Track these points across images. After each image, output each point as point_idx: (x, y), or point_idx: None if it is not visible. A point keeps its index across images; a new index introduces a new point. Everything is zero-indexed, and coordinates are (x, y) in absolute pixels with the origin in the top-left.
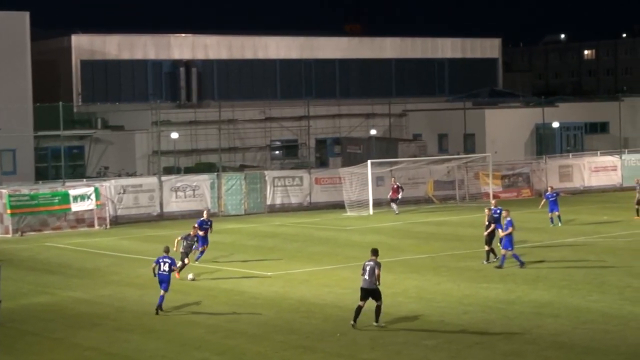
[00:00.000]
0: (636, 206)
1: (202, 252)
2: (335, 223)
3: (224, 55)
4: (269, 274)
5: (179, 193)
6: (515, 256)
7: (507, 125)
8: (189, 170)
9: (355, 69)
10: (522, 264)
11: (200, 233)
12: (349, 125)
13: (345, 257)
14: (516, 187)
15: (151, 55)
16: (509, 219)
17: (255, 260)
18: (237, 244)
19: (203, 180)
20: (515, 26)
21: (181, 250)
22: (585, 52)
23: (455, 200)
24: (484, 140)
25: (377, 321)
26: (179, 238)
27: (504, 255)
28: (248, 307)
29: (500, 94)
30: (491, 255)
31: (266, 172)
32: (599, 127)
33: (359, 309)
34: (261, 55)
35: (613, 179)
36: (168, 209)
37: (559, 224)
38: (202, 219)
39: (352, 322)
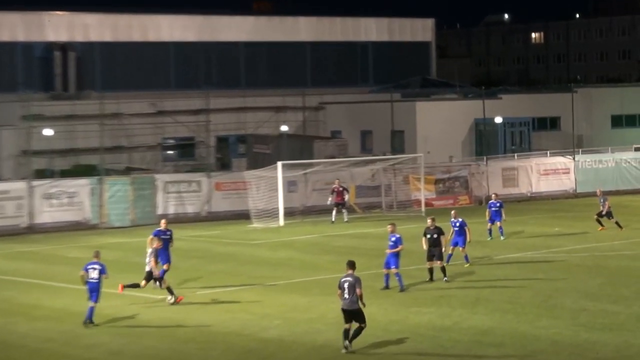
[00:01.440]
0: (598, 217)
1: (163, 272)
2: (239, 236)
3: (107, 37)
4: (160, 297)
5: (53, 201)
6: (398, 275)
7: (441, 121)
8: (65, 174)
9: (263, 54)
10: (402, 288)
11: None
12: (255, 120)
13: (250, 277)
14: (452, 193)
15: (20, 36)
16: (397, 235)
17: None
18: (122, 261)
19: (82, 186)
20: (452, 4)
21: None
22: (533, 35)
23: (381, 209)
24: (414, 138)
25: (350, 341)
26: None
27: (387, 275)
28: (135, 336)
29: (434, 84)
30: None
31: (157, 176)
32: (549, 123)
33: (345, 332)
34: (152, 37)
35: (565, 183)
36: (39, 219)
37: (501, 237)
38: (159, 228)
39: (343, 350)
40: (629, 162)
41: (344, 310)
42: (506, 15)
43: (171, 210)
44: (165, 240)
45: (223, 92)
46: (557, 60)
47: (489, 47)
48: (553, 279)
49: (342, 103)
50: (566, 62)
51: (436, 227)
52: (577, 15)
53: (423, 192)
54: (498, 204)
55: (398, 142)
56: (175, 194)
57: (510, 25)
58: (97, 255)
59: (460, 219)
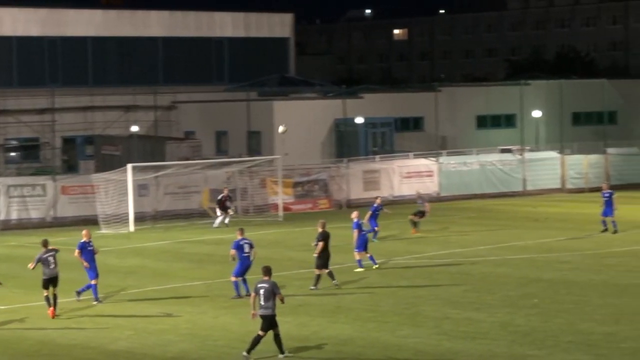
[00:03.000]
0: (414, 218)
1: (88, 287)
2: None
3: None
4: (1, 307)
5: None
6: (371, 258)
7: (300, 121)
8: None
9: (112, 50)
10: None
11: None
12: (104, 120)
13: (99, 286)
14: (311, 197)
15: None
16: (247, 240)
17: None
18: None
19: None
20: None
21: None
22: (396, 31)
23: (236, 214)
24: (272, 139)
25: (282, 352)
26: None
27: (371, 256)
28: None
29: (293, 82)
30: (321, 279)
31: None
32: (412, 124)
33: (257, 339)
34: None
35: (429, 186)
36: None
37: (374, 240)
38: (82, 240)
39: (244, 353)
40: (494, 165)
41: (262, 317)
42: (368, 11)
43: (14, 215)
44: (91, 252)
45: (69, 90)
46: (421, 58)
47: (351, 44)
48: (415, 286)
49: (196, 102)
50: (430, 60)
51: (321, 232)
52: (442, 11)
53: (281, 196)
54: (380, 207)
55: (255, 143)
56: (18, 198)
57: (373, 21)
58: (45, 244)
59: (358, 220)
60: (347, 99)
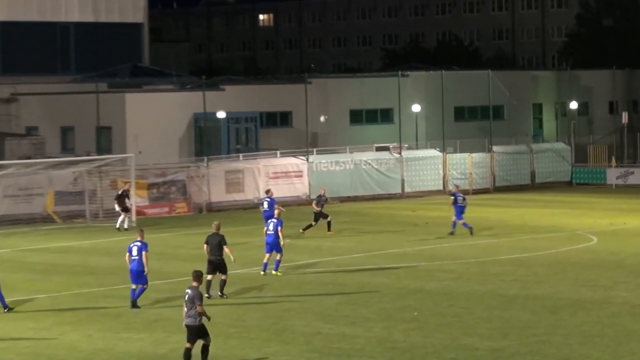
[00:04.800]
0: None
1: None
2: None
3: None
4: None
5: None
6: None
7: (155, 116)
8: None
9: None
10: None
11: None
12: None
13: None
14: (168, 200)
15: None
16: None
17: None
18: None
19: None
20: None
21: None
22: (261, 17)
23: (84, 218)
24: (124, 135)
25: None
26: None
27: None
28: None
29: (147, 73)
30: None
31: None
32: (279, 119)
33: (187, 353)
34: None
35: (298, 188)
36: None
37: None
38: None
39: None
40: (369, 164)
41: (187, 327)
42: None
43: None
44: None
45: None
46: (289, 46)
47: (211, 31)
48: (283, 298)
49: (38, 94)
50: (299, 48)
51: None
52: None
53: (134, 199)
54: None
55: (105, 140)
56: None
57: (235, 6)
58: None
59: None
60: (207, 92)
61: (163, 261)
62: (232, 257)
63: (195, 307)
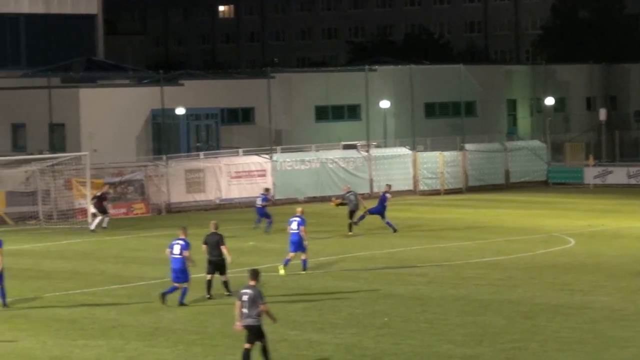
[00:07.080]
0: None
1: None
2: None
3: None
4: None
5: None
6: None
7: (111, 112)
8: None
9: None
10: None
11: None
12: None
13: None
14: (125, 200)
15: None
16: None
17: None
18: None
19: None
20: None
21: None
22: (221, 8)
23: (37, 220)
24: (78, 133)
25: None
26: None
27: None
28: None
29: (102, 67)
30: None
31: None
32: (241, 115)
33: (246, 353)
34: None
35: (261, 188)
36: None
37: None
38: None
39: None
40: (336, 163)
41: (245, 327)
42: None
43: None
44: None
45: None
46: (251, 39)
47: (168, 23)
48: None
49: None
50: (261, 41)
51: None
52: None
53: (89, 200)
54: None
55: (58, 138)
56: None
57: None
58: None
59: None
60: (166, 87)
61: (121, 265)
62: (229, 258)
63: (258, 307)
